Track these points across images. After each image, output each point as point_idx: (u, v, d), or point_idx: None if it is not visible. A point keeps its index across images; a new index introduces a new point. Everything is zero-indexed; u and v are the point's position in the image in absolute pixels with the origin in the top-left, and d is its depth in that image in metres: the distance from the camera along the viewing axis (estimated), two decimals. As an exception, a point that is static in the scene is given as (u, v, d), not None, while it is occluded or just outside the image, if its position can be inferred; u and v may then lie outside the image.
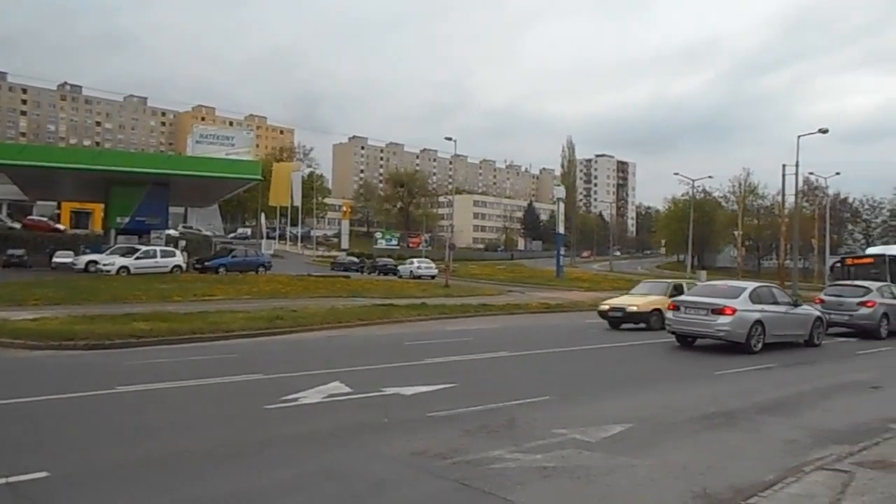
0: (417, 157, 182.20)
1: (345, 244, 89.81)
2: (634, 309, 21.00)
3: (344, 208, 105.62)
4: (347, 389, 10.00)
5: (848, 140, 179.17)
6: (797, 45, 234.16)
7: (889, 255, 31.50)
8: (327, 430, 7.86)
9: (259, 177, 46.30)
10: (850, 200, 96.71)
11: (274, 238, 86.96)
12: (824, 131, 48.35)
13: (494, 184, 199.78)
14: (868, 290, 20.48)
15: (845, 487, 5.92)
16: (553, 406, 9.44)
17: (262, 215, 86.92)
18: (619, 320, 21.28)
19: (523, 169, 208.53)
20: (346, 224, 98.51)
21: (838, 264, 36.34)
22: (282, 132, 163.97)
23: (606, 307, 22.13)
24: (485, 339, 17.32)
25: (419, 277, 51.44)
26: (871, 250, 39.49)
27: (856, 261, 34.66)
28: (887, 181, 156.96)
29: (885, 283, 21.94)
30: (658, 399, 10.38)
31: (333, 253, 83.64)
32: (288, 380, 10.75)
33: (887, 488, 5.94)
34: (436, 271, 53.03)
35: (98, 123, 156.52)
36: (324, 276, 42.24)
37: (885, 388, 11.74)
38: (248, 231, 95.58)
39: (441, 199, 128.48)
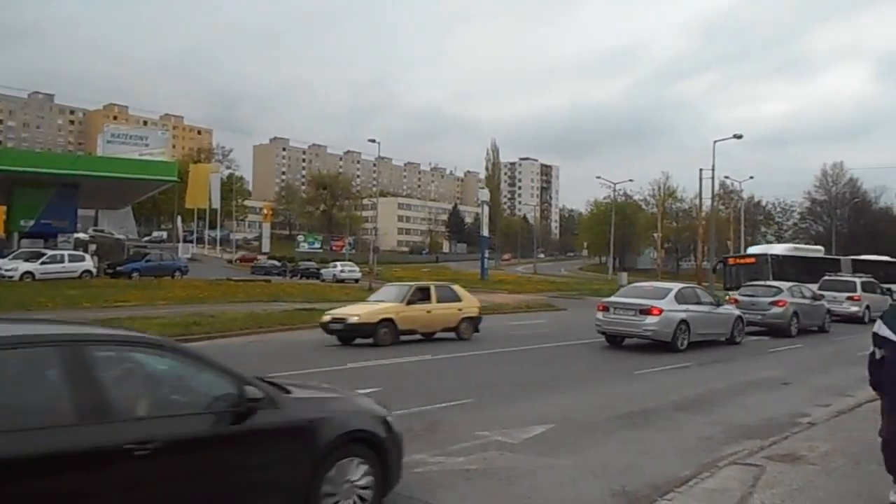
0: (341, 158, 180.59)
1: (266, 247, 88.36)
2: (356, 320, 16.69)
3: (265, 211, 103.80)
4: (266, 396, 9.79)
5: (761, 145, 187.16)
6: (713, 52, 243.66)
7: (772, 255, 32.39)
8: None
9: (175, 178, 45.09)
10: (764, 204, 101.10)
11: (191, 241, 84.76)
12: (739, 137, 50.30)
13: (419, 186, 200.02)
14: (779, 290, 21.45)
15: (756, 481, 6.16)
16: (476, 408, 9.50)
17: (179, 218, 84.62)
18: (342, 334, 16.88)
19: (448, 172, 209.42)
20: (267, 227, 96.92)
21: (720, 264, 36.62)
22: (199, 132, 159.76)
23: (328, 318, 17.50)
24: (407, 342, 17.28)
25: (343, 281, 51.07)
26: (752, 249, 40.00)
27: (738, 260, 35.07)
28: (798, 185, 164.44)
29: (794, 284, 23.01)
30: (580, 399, 10.60)
31: (255, 255, 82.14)
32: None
33: (794, 481, 6.21)
34: (360, 275, 52.73)
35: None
36: (244, 281, 41.43)
37: (794, 384, 12.30)
38: (164, 234, 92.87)
39: (365, 201, 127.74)
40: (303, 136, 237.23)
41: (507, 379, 12.63)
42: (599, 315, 17.44)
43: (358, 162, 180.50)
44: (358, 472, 4.99)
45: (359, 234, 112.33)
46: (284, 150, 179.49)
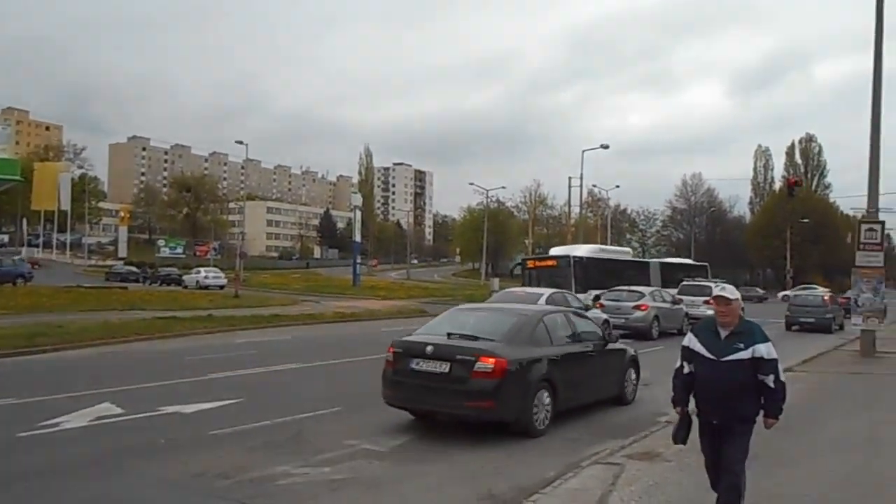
0: (206, 160, 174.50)
1: (122, 252, 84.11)
2: None
3: (122, 214, 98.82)
4: (119, 411, 9.31)
5: (628, 155, 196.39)
6: (582, 64, 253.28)
7: (574, 257, 30.79)
8: (94, 457, 7.29)
9: (18, 177, 41.97)
10: (629, 212, 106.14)
11: (37, 245, 79.45)
12: (606, 147, 52.76)
13: (290, 190, 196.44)
14: (642, 295, 22.60)
15: (616, 479, 6.44)
16: (344, 417, 9.42)
17: (24, 221, 79.03)
18: None
19: (320, 175, 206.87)
20: (123, 231, 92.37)
21: (519, 267, 34.74)
22: (48, 128, 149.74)
23: None
24: (275, 351, 16.92)
25: (206, 288, 49.27)
26: (554, 251, 37.57)
27: (538, 263, 33.04)
28: (661, 194, 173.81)
29: (655, 288, 24.29)
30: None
31: (109, 262, 77.99)
32: (47, 403, 9.79)
33: (651, 477, 6.55)
34: (225, 281, 51.07)
35: None
36: (96, 288, 39.21)
37: (654, 384, 12.88)
38: (6, 238, 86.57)
39: (232, 205, 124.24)
40: (165, 136, 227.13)
41: (377, 385, 12.56)
42: None
43: (224, 164, 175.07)
44: (633, 374, 11.39)
45: (225, 238, 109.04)
46: (144, 149, 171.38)
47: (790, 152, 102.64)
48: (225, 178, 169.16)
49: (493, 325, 9.14)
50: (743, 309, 21.43)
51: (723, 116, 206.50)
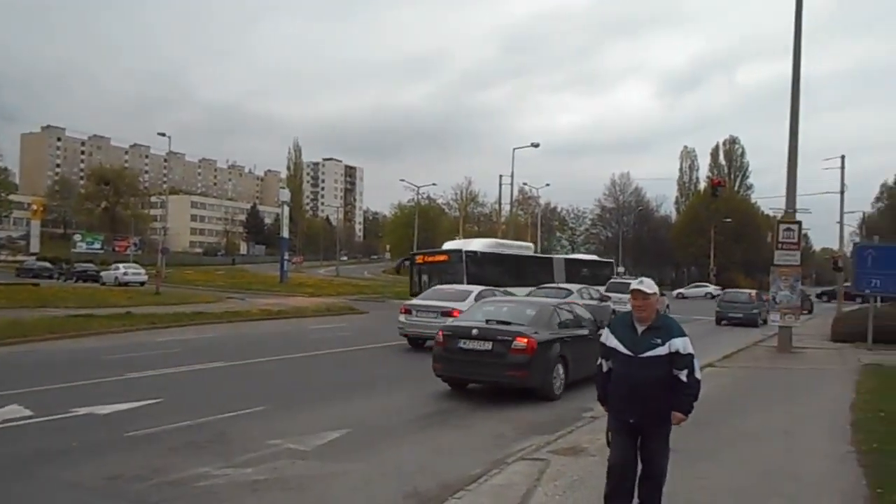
0: (127, 152, 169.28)
1: (35, 247, 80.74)
2: None
3: (34, 207, 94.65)
4: (27, 413, 8.94)
5: (557, 154, 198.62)
6: (514, 63, 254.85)
7: (467, 252, 29.01)
8: (-1, 461, 6.98)
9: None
10: (559, 210, 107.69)
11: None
12: (536, 145, 53.39)
13: (215, 184, 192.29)
14: (569, 292, 22.98)
15: (541, 474, 6.53)
16: (268, 416, 9.27)
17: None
18: None
19: (247, 170, 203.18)
20: (36, 225, 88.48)
21: (406, 262, 32.18)
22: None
23: None
24: (198, 349, 16.56)
25: (126, 284, 47.77)
26: (447, 245, 34.67)
27: (428, 258, 30.52)
28: (590, 193, 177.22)
29: (583, 286, 24.71)
30: (378, 402, 10.68)
31: (20, 258, 74.89)
32: (-50, 405, 9.33)
33: (575, 472, 6.65)
34: (145, 277, 49.66)
35: None
36: (6, 285, 37.57)
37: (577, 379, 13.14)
38: None
39: (154, 199, 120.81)
40: (82, 127, 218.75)
41: (304, 384, 12.46)
42: (402, 318, 17.77)
43: (146, 156, 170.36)
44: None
45: (146, 234, 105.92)
46: (59, 140, 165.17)
47: (714, 153, 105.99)
48: (146, 172, 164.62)
49: (520, 313, 11.71)
50: (668, 306, 22.30)
51: (651, 117, 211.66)
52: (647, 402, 4.79)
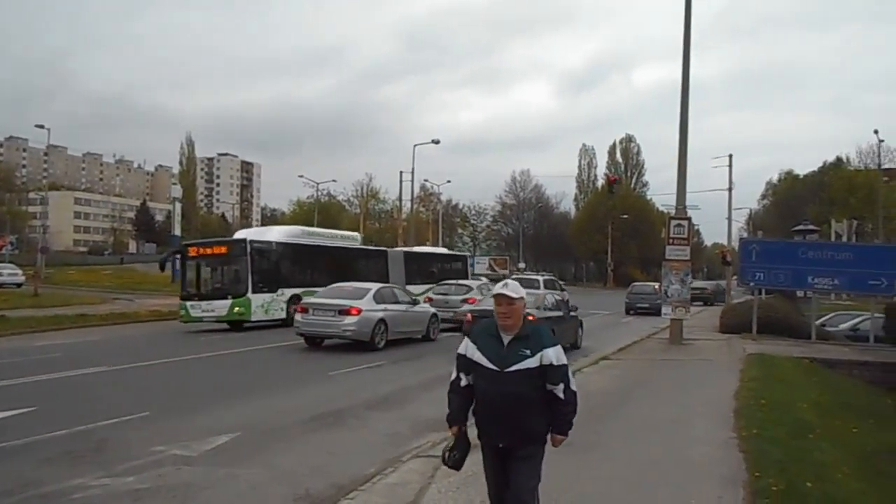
0: (1, 145, 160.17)
1: None
2: None
3: None
4: None
5: (459, 150, 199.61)
6: (415, 59, 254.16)
7: (254, 243, 23.98)
8: None
9: None
10: (461, 207, 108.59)
11: None
12: (436, 142, 53.71)
13: (102, 180, 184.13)
14: (470, 289, 23.24)
15: (436, 471, 6.54)
16: (154, 422, 8.95)
17: None
18: None
19: (136, 165, 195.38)
20: None
21: (175, 257, 26.27)
22: None
23: None
24: (80, 353, 15.85)
25: (1, 286, 45.21)
26: (238, 234, 29.04)
27: (203, 250, 24.58)
28: (492, 190, 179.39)
29: (483, 282, 25.04)
30: (270, 404, 10.48)
31: None
32: None
33: (470, 468, 6.64)
34: (23, 279, 47.06)
35: None
36: None
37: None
38: None
39: (33, 195, 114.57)
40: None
41: (193, 387, 12.10)
42: (298, 316, 17.54)
43: (24, 150, 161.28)
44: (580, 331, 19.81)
45: (24, 232, 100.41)
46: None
47: (612, 152, 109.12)
48: (24, 166, 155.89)
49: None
50: (568, 301, 23.09)
51: (551, 115, 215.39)
52: (516, 424, 4.16)
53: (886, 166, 68.20)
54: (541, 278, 31.19)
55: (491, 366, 4.16)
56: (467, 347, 4.30)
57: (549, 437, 4.30)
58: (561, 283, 30.94)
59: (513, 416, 4.14)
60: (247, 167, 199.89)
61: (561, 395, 4.18)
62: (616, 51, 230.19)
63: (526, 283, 29.98)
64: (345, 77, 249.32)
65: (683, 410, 10.09)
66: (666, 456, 7.46)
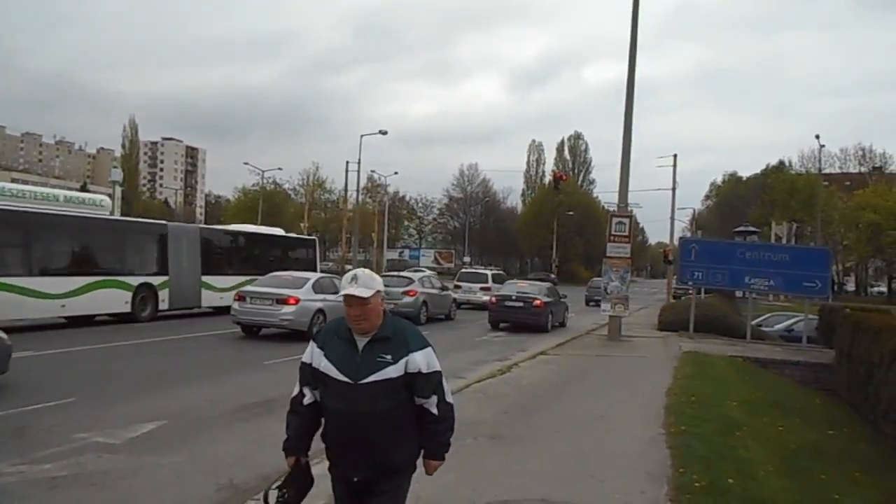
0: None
1: None
2: None
3: None
4: None
5: (407, 142, 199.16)
6: (366, 48, 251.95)
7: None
8: None
9: None
10: (408, 199, 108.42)
11: None
12: (384, 133, 53.51)
13: (40, 161, 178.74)
14: (410, 281, 23.19)
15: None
16: (77, 409, 8.71)
17: None
18: None
19: (77, 147, 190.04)
20: None
21: None
22: None
23: None
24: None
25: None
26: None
27: None
28: (440, 183, 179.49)
29: (425, 275, 25.02)
30: (200, 392, 10.31)
31: None
32: None
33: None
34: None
35: None
36: None
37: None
38: None
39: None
40: None
41: (122, 374, 11.79)
42: (235, 305, 17.33)
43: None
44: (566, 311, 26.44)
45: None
46: None
47: (560, 148, 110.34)
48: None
49: (532, 288, 24.33)
50: (456, 302, 23.39)
51: (501, 109, 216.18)
52: (376, 450, 3.26)
53: (827, 171, 70.39)
54: (489, 272, 32.45)
55: (342, 377, 3.25)
56: (312, 354, 3.41)
57: (419, 463, 3.47)
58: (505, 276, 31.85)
59: (370, 440, 3.24)
60: (192, 153, 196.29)
61: (434, 411, 3.35)
62: (568, 48, 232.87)
63: (474, 278, 31.47)
64: (295, 64, 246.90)
65: (616, 406, 10.23)
66: (594, 451, 7.55)
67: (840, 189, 71.36)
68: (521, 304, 22.42)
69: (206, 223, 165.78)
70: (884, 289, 74.98)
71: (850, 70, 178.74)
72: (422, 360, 3.29)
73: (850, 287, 79.18)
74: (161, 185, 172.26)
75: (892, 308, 22.88)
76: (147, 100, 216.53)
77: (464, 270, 34.29)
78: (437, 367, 3.37)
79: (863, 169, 77.72)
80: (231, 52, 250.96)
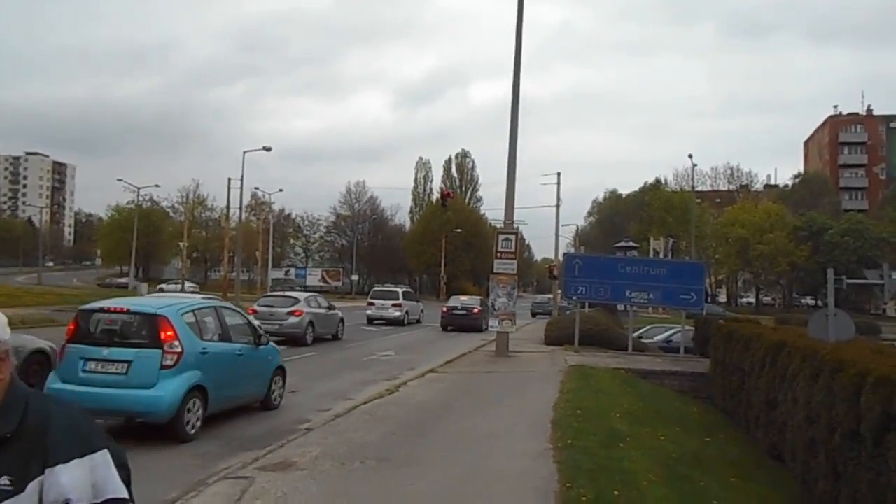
0: None
1: None
2: None
3: None
4: None
5: (292, 159, 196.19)
6: (247, 62, 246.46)
7: None
8: None
9: None
10: (293, 216, 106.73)
11: None
12: (268, 149, 52.39)
13: None
14: (297, 301, 22.76)
15: (243, 493, 6.28)
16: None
17: None
18: None
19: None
20: None
21: None
22: None
23: None
24: None
25: None
26: None
27: None
28: (326, 200, 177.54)
29: (311, 294, 24.65)
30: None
31: None
32: None
33: (281, 488, 6.48)
34: None
35: None
36: None
37: (301, 391, 13.02)
38: None
39: None
40: None
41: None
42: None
43: None
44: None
45: None
46: None
47: (447, 166, 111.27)
48: None
49: (471, 301, 33.47)
50: (422, 311, 23.59)
51: (388, 127, 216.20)
52: None
53: (699, 188, 74.23)
54: (399, 290, 36.04)
55: None
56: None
57: None
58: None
59: None
60: (59, 168, 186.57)
61: None
62: (454, 66, 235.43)
63: (387, 295, 32.42)
64: (172, 76, 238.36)
65: (503, 423, 10.32)
66: (482, 469, 7.57)
67: (712, 206, 75.45)
68: (464, 311, 31.59)
69: (75, 244, 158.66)
70: (752, 300, 79.58)
71: (717, 93, 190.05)
72: (77, 482, 1.80)
73: (722, 298, 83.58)
74: (24, 203, 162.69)
75: (760, 318, 24.26)
76: (9, 111, 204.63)
77: (376, 288, 38.28)
78: (124, 494, 1.88)
79: (731, 187, 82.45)
80: (102, 62, 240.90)
